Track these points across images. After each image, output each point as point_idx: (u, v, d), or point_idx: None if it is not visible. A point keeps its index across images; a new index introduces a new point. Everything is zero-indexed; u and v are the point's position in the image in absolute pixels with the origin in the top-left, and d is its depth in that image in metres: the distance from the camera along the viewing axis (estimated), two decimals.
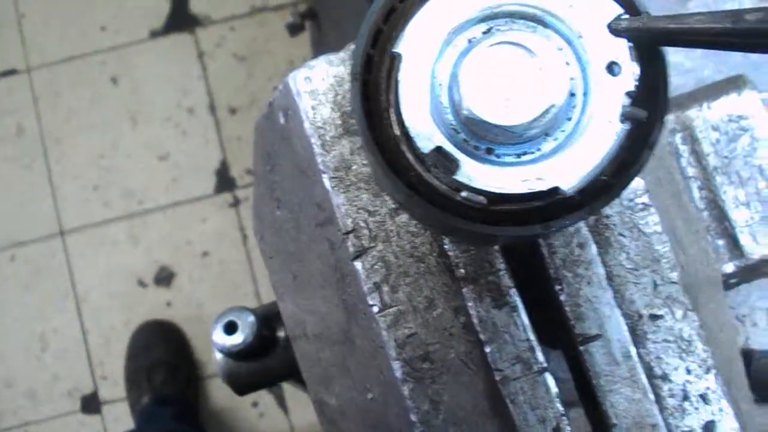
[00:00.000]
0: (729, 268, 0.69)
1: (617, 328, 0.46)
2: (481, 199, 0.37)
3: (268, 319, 0.77)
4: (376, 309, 0.49)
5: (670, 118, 0.70)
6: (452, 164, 0.37)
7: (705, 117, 0.70)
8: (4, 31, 2.54)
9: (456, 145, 0.38)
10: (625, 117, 0.37)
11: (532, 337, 0.46)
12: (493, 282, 0.46)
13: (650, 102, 0.39)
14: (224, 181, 2.46)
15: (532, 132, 0.37)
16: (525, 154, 0.38)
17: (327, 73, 0.50)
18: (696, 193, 0.69)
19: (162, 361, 2.27)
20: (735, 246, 0.69)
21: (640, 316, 0.47)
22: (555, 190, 0.37)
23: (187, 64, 2.52)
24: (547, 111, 0.36)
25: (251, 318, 0.74)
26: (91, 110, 2.50)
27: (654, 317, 0.47)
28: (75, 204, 2.45)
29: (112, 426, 2.33)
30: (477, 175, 0.37)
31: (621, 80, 0.37)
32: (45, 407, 2.34)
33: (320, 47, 1.81)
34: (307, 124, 0.50)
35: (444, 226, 0.42)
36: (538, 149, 0.38)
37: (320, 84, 0.50)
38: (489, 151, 0.38)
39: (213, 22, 2.55)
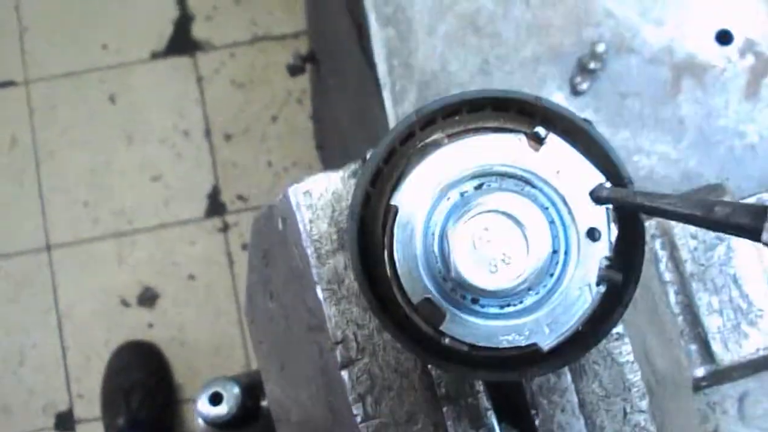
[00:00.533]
0: (700, 372, 0.72)
1: None
2: (464, 347, 0.40)
3: (253, 388, 0.79)
4: (359, 419, 0.51)
5: (652, 224, 0.73)
6: (438, 313, 0.40)
7: (684, 225, 0.73)
8: (6, 43, 2.55)
9: (443, 293, 0.41)
10: (601, 280, 0.40)
11: None
12: (473, 404, 0.49)
13: (626, 261, 0.42)
14: (215, 206, 2.47)
15: (515, 291, 0.39)
16: (508, 305, 0.41)
17: (326, 189, 0.52)
18: (672, 298, 0.72)
19: (140, 383, 2.27)
20: (706, 352, 0.72)
21: None
22: (533, 345, 0.40)
23: (185, 87, 2.54)
24: (529, 277, 0.38)
25: (236, 390, 0.76)
26: (87, 127, 2.51)
27: None
28: (64, 219, 2.45)
29: None
30: (461, 325, 0.40)
31: (599, 246, 0.40)
32: (18, 422, 2.33)
33: (319, 89, 1.85)
34: (304, 236, 0.52)
35: (425, 361, 0.45)
36: (521, 302, 0.41)
37: (319, 199, 0.52)
38: (474, 301, 0.41)
39: (214, 47, 2.58)
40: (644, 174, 0.95)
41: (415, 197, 0.41)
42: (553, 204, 0.41)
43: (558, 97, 1.00)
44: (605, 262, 0.40)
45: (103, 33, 2.56)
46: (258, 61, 2.57)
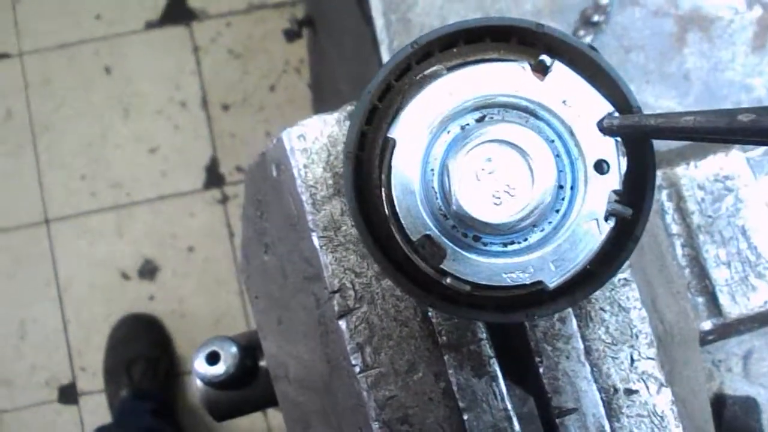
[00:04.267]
0: (707, 325, 0.70)
1: (593, 402, 0.47)
2: (466, 287, 0.38)
3: (251, 348, 0.78)
4: (358, 369, 0.49)
5: (658, 174, 0.70)
6: (439, 251, 0.38)
7: (692, 175, 0.71)
8: None
9: (444, 231, 0.39)
10: (610, 214, 0.38)
11: (509, 406, 0.47)
12: (475, 351, 0.47)
13: (637, 195, 0.40)
14: (214, 177, 2.45)
15: (519, 227, 0.37)
16: (512, 243, 0.39)
17: (321, 132, 0.50)
18: (679, 251, 0.71)
19: (142, 355, 2.27)
20: (714, 304, 0.70)
21: (616, 390, 0.48)
22: (539, 283, 0.38)
23: (181, 57, 2.51)
24: (534, 210, 0.36)
25: (234, 349, 0.74)
26: (82, 99, 2.48)
27: (629, 392, 0.48)
28: (61, 193, 2.44)
29: (89, 417, 2.33)
30: (463, 264, 0.38)
31: (608, 179, 0.38)
32: (21, 396, 2.33)
33: (317, 56, 1.81)
34: (299, 182, 0.50)
35: (425, 305, 0.43)
36: (525, 240, 0.39)
37: (313, 143, 0.50)
38: (476, 238, 0.39)
39: (209, 16, 2.54)
40: None
41: (414, 131, 0.39)
42: (559, 136, 0.39)
43: None
44: (614, 196, 0.38)
45: (96, 3, 2.52)
46: (255, 30, 2.53)
